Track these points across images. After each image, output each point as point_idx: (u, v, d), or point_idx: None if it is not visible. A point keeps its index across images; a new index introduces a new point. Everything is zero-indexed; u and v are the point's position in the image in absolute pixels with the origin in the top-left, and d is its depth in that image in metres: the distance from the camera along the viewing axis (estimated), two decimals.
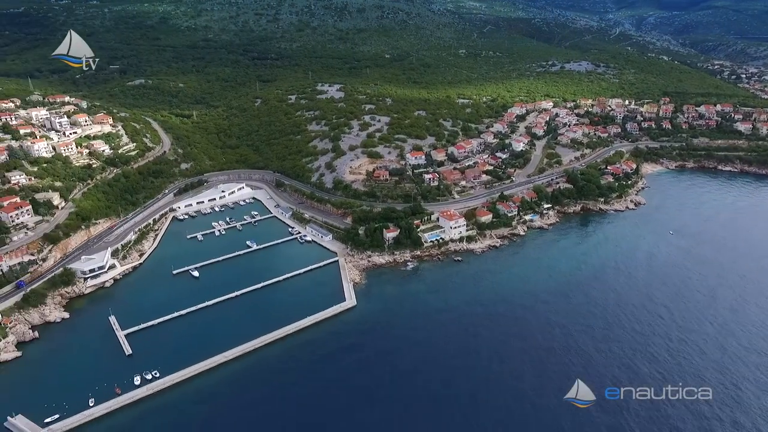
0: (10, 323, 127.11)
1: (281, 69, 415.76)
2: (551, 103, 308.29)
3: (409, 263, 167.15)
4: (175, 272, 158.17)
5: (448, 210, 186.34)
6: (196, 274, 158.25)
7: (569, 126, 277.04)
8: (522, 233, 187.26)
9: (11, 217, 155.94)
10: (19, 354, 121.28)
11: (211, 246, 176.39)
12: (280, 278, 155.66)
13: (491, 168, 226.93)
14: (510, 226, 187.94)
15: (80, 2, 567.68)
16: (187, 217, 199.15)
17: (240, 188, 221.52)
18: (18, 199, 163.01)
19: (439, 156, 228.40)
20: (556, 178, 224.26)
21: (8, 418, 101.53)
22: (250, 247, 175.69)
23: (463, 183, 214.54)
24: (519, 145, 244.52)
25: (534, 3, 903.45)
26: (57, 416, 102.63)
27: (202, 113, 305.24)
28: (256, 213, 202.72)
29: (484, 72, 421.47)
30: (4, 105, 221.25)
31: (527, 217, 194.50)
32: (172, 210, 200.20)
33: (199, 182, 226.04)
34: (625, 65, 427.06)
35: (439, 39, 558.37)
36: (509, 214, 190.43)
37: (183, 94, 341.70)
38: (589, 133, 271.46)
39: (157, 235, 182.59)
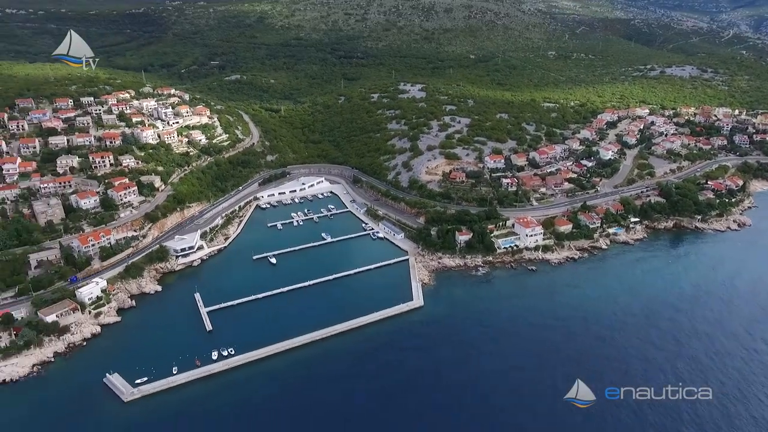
0: (113, 291, 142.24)
1: (366, 68, 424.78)
2: (647, 110, 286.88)
3: (480, 268, 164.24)
4: (254, 257, 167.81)
5: (525, 217, 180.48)
6: (273, 260, 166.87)
7: (666, 135, 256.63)
8: (604, 247, 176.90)
9: (120, 195, 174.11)
10: (118, 319, 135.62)
11: (289, 235, 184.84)
12: (351, 272, 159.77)
13: (575, 176, 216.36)
14: (591, 239, 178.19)
15: (190, 3, 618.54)
16: (269, 206, 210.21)
17: (319, 182, 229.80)
18: (127, 180, 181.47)
19: (520, 160, 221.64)
20: (647, 190, 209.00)
21: (107, 374, 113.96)
22: (324, 239, 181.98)
23: (543, 190, 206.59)
24: (607, 154, 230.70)
25: (635, 3, 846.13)
26: (146, 378, 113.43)
27: (289, 108, 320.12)
28: (332, 207, 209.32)
29: (574, 75, 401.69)
30: (121, 95, 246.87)
31: (611, 230, 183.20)
32: (256, 199, 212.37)
33: (282, 174, 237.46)
34: (737, 71, 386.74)
35: (527, 40, 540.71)
36: (591, 226, 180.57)
37: (273, 90, 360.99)
38: (689, 144, 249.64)
39: (241, 222, 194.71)
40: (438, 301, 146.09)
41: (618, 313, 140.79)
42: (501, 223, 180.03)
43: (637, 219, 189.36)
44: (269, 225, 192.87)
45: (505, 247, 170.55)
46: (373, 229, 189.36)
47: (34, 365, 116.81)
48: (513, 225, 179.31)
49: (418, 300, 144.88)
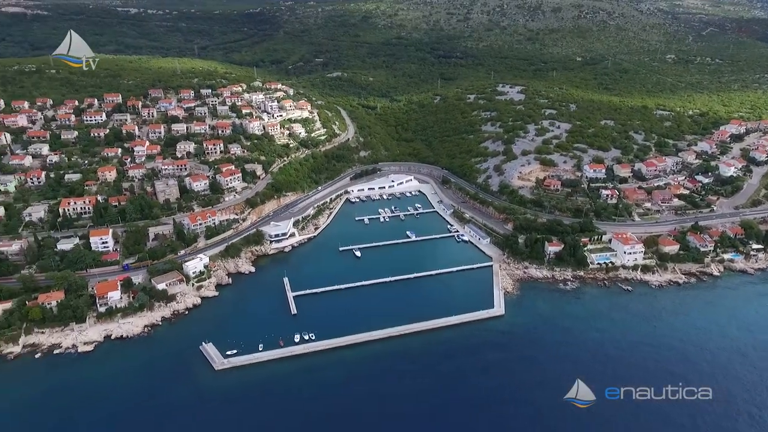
0: (214, 268, 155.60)
1: (464, 68, 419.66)
2: None
3: (569, 282, 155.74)
4: (341, 249, 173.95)
5: (625, 233, 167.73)
6: (358, 254, 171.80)
7: None
8: (716, 273, 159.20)
9: (226, 181, 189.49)
10: (216, 294, 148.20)
11: (375, 230, 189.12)
12: (433, 272, 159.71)
13: (687, 192, 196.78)
14: (701, 263, 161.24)
15: (301, 2, 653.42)
16: (358, 200, 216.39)
17: (408, 180, 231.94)
18: (233, 167, 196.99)
19: (623, 171, 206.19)
20: None
21: (203, 343, 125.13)
22: (409, 237, 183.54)
23: (648, 205, 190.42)
24: (728, 170, 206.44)
25: None
26: (235, 351, 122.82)
27: (385, 106, 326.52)
28: (419, 206, 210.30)
29: (696, 81, 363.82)
30: (234, 89, 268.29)
31: (726, 256, 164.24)
32: (346, 192, 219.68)
33: (373, 170, 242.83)
34: None
35: (643, 42, 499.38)
36: (702, 249, 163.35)
37: (371, 87, 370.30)
38: None
39: (331, 213, 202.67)
40: (520, 312, 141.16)
41: (724, 348, 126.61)
42: (596, 237, 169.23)
43: (760, 246, 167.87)
44: (357, 219, 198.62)
45: (599, 263, 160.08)
46: (458, 231, 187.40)
47: (145, 326, 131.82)
48: (610, 240, 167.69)
49: (499, 308, 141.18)
